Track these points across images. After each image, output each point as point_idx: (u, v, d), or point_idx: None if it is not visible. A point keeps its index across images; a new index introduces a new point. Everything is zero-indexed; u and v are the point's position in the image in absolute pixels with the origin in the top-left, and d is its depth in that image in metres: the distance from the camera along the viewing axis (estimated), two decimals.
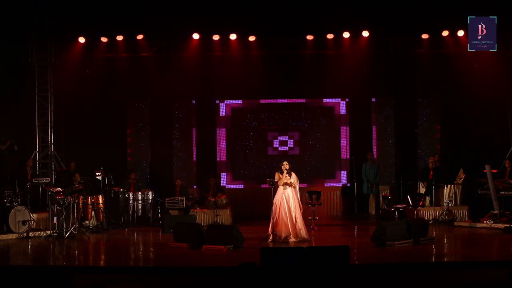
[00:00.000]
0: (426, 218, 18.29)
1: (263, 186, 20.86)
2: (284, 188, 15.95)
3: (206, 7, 20.03)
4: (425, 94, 22.45)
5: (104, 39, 21.01)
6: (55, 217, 16.97)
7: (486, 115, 21.04)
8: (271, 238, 15.71)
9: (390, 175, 22.32)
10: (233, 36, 20.93)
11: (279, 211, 15.82)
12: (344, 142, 22.56)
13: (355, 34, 20.89)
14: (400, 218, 18.16)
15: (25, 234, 16.74)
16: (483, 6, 19.11)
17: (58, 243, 16.00)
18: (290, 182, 15.92)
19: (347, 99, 22.56)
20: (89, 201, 18.23)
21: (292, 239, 15.63)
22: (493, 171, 18.26)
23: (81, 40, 20.91)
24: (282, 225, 15.76)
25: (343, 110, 22.61)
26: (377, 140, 22.61)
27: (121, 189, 19.64)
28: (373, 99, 22.71)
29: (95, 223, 18.54)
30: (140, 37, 20.94)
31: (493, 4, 19.28)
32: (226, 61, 21.40)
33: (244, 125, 22.71)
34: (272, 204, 15.94)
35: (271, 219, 15.86)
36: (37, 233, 17.06)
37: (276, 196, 15.96)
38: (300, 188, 16.38)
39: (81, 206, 17.94)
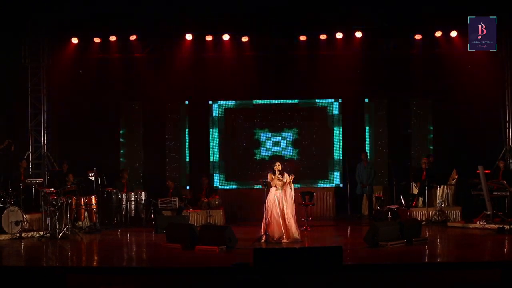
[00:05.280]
0: (419, 219, 18.26)
1: (256, 186, 20.80)
2: (277, 189, 15.93)
3: (199, 8, 20.03)
4: (418, 95, 22.45)
5: (97, 40, 20.99)
6: (48, 218, 16.93)
7: (480, 115, 21.06)
8: (264, 238, 15.69)
9: (383, 176, 22.34)
10: (226, 37, 20.93)
11: (271, 212, 15.80)
12: (337, 143, 22.58)
13: (348, 35, 20.90)
14: (393, 219, 18.17)
15: (18, 235, 16.67)
16: (479, 6, 19.10)
17: (51, 244, 15.97)
18: (283, 182, 15.91)
19: (340, 100, 22.54)
20: (82, 202, 18.18)
21: (285, 240, 15.61)
22: (486, 171, 18.28)
23: (74, 40, 20.89)
24: (274, 225, 15.74)
25: (336, 111, 22.60)
26: (370, 141, 22.61)
27: (114, 190, 19.60)
28: (366, 100, 22.71)
29: (88, 223, 18.49)
30: (133, 37, 20.93)
31: (493, 4, 19.26)
32: (219, 61, 21.41)
33: (237, 125, 22.67)
34: (264, 204, 15.95)
35: (264, 220, 15.85)
36: (30, 234, 16.99)
37: (268, 196, 15.94)
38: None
39: (74, 207, 17.87)
